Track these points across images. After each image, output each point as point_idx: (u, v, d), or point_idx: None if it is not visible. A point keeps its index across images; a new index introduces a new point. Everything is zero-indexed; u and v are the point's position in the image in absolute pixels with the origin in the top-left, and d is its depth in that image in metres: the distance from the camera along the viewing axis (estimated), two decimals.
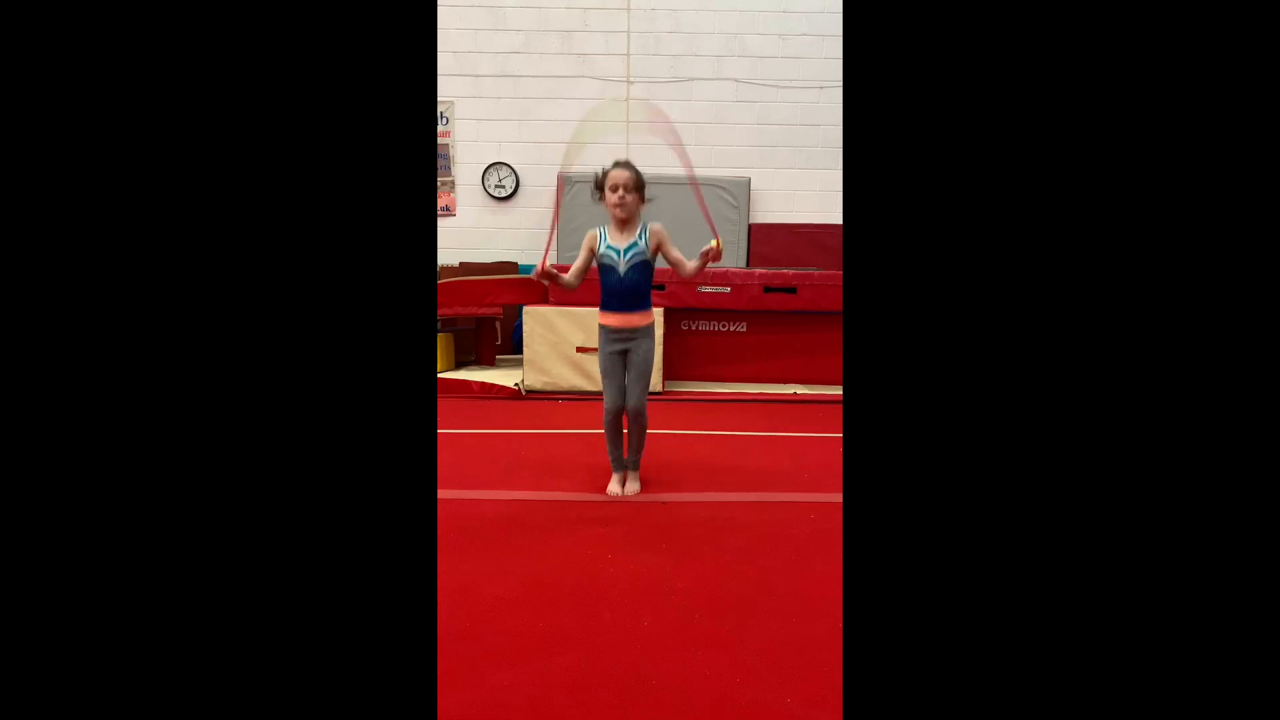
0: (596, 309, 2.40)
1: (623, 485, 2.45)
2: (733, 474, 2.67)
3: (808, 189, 6.01)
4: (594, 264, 2.37)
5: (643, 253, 2.31)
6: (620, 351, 2.36)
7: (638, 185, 2.30)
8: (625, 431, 2.43)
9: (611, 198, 2.28)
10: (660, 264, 2.40)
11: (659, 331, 4.13)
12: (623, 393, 2.37)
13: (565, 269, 2.41)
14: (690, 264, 2.33)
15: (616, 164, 2.31)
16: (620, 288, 2.31)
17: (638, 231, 2.32)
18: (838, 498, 2.35)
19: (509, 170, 6.00)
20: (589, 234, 2.38)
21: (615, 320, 2.34)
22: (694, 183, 2.53)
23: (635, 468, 2.47)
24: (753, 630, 1.47)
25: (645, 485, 2.47)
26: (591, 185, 2.37)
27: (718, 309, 4.42)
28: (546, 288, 4.42)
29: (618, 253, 2.31)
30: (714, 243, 2.18)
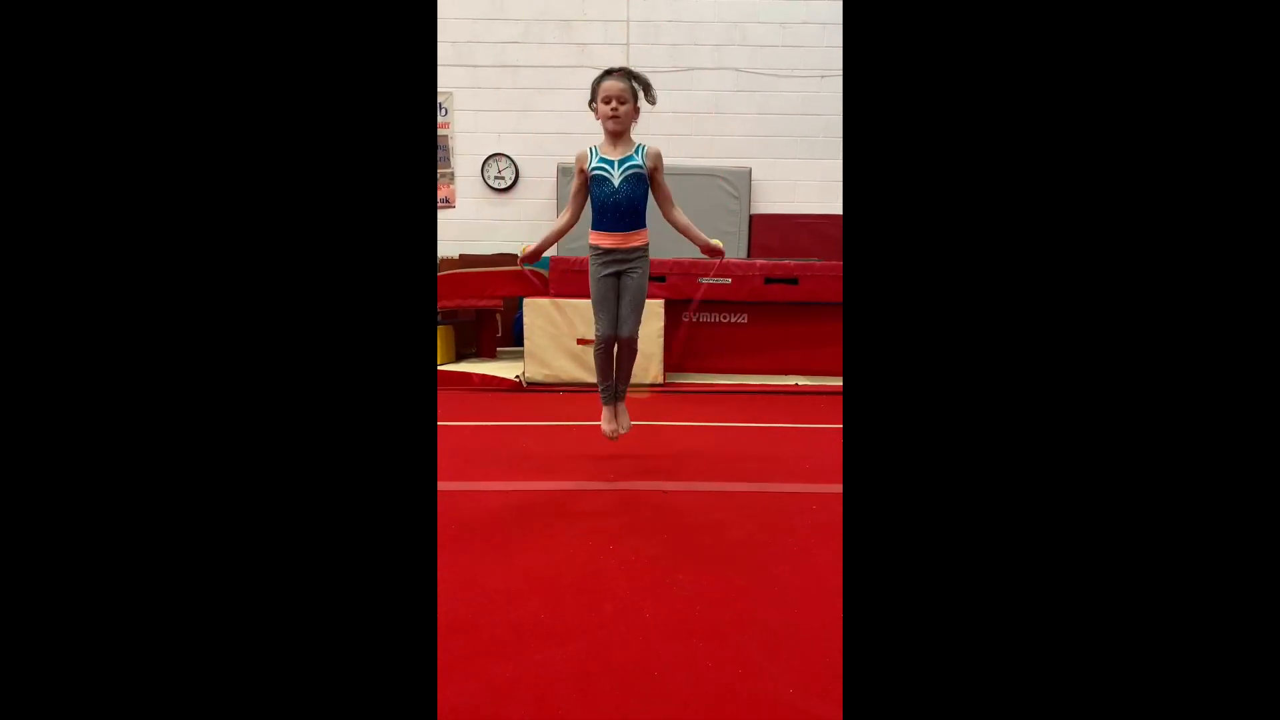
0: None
1: (615, 420, 2.43)
2: (734, 465, 2.67)
3: (809, 179, 5.99)
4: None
5: (639, 166, 2.21)
6: (614, 275, 2.26)
7: (633, 95, 2.19)
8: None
9: (604, 109, 2.18)
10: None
11: (659, 323, 4.12)
12: (615, 321, 2.27)
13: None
14: (687, 221, 2.26)
15: (609, 72, 2.20)
16: (614, 200, 2.20)
17: (634, 148, 2.23)
18: (838, 488, 2.35)
19: (508, 161, 5.98)
20: (579, 154, 2.26)
21: (609, 240, 2.23)
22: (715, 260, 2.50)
23: (623, 397, 2.44)
24: (754, 621, 1.47)
25: (646, 476, 2.47)
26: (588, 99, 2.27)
27: (718, 300, 4.41)
28: (545, 281, 4.41)
29: (611, 164, 2.20)
30: (718, 245, 2.19)
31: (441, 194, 6.01)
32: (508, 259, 5.42)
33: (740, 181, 5.80)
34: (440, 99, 5.85)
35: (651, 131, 2.35)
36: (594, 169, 2.23)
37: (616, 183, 2.20)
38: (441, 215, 5.96)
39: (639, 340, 2.37)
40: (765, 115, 5.92)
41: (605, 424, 2.44)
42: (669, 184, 2.32)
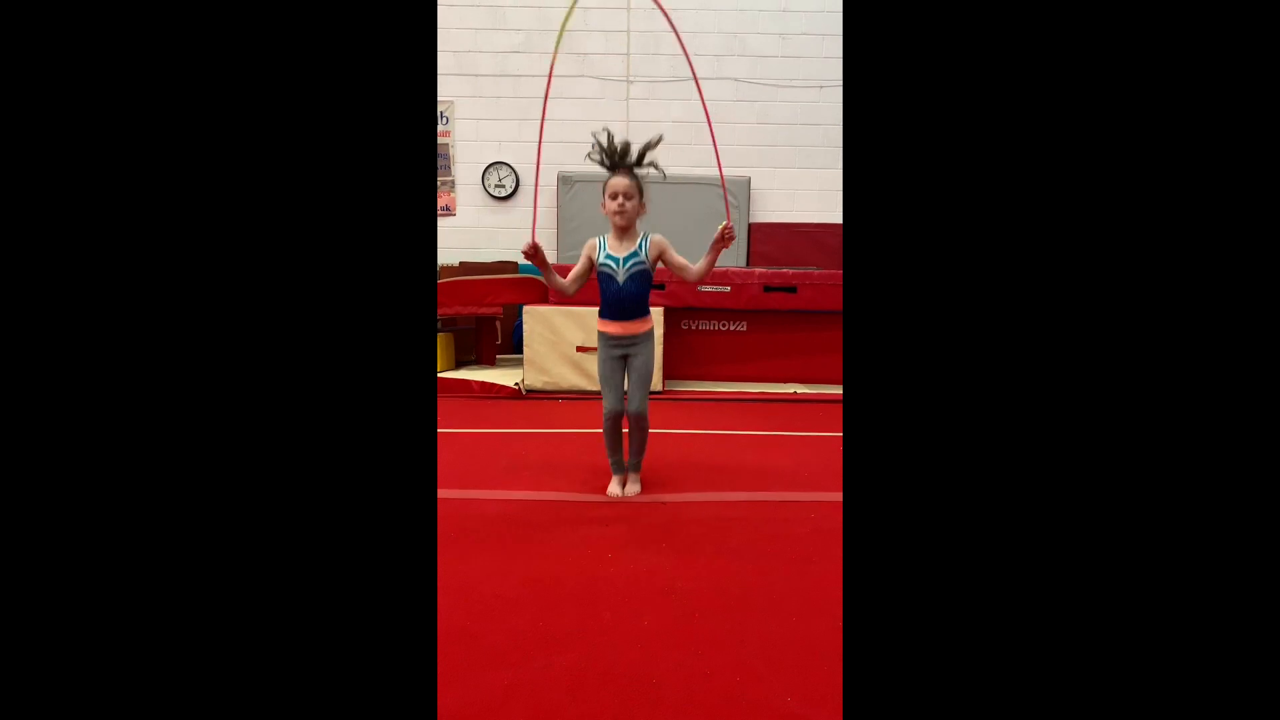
0: (596, 309, 2.38)
1: (623, 487, 2.42)
2: (733, 473, 2.67)
3: (808, 188, 6.00)
4: (593, 273, 2.34)
5: (643, 262, 2.28)
6: (620, 357, 2.34)
7: (639, 192, 2.26)
8: (625, 434, 2.41)
9: (611, 205, 2.24)
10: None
11: (659, 331, 4.13)
12: (622, 398, 2.34)
13: (564, 270, 2.39)
14: (698, 264, 2.29)
15: (617, 169, 2.25)
16: (620, 297, 2.29)
17: (638, 241, 2.29)
18: (838, 497, 2.35)
19: (509, 170, 6.00)
20: (588, 242, 2.35)
21: (615, 328, 2.32)
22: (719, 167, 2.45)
23: (636, 470, 2.45)
24: (753, 629, 1.47)
25: (645, 485, 2.47)
26: (597, 152, 2.25)
27: (718, 308, 4.42)
28: (545, 287, 4.42)
29: (617, 262, 2.28)
30: (724, 224, 2.17)
31: (442, 202, 6.02)
32: (508, 267, 5.43)
33: (739, 190, 5.82)
34: (441, 108, 5.87)
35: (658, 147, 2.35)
36: (601, 265, 2.31)
37: (621, 281, 2.28)
38: (442, 223, 5.97)
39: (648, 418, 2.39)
40: (764, 125, 5.94)
41: (611, 488, 2.44)
42: (679, 257, 2.34)
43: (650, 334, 2.36)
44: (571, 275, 2.35)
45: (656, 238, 2.31)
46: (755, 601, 1.60)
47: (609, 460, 2.45)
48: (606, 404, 2.36)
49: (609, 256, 2.29)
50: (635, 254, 2.28)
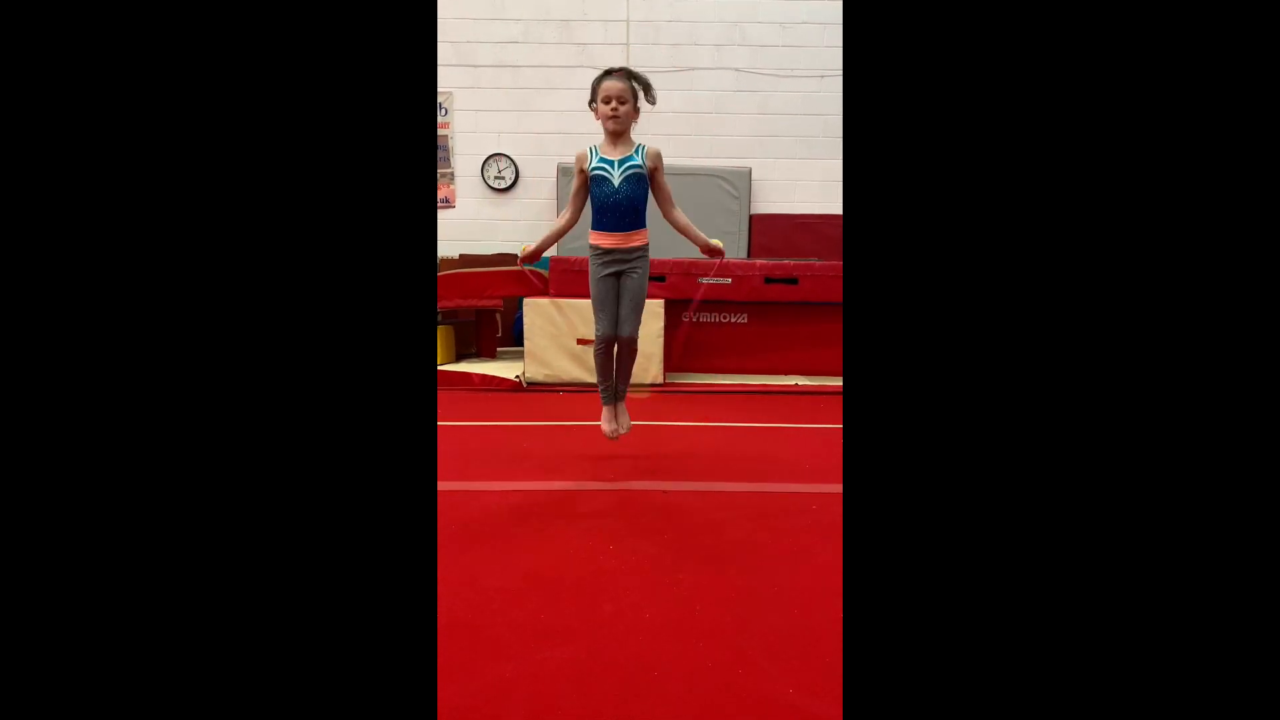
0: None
1: (615, 420, 2.44)
2: (733, 465, 2.67)
3: (809, 179, 5.99)
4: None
5: (639, 167, 2.19)
6: (614, 275, 2.25)
7: (633, 96, 2.18)
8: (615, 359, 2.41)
9: (604, 109, 2.16)
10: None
11: (659, 324, 4.12)
12: (615, 322, 2.27)
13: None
14: (687, 221, 2.27)
15: (609, 72, 2.18)
16: (614, 200, 2.19)
17: (633, 148, 2.21)
18: (838, 488, 2.35)
19: (508, 161, 5.98)
20: (578, 153, 2.25)
21: (609, 240, 2.22)
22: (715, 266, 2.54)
23: (623, 397, 2.44)
24: (754, 621, 1.47)
25: (646, 476, 2.48)
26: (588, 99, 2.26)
27: (718, 300, 4.42)
28: (545, 280, 4.41)
29: (611, 164, 2.19)
30: (717, 244, 2.19)
31: (441, 194, 6.00)
32: (508, 259, 5.42)
33: (740, 181, 5.80)
34: (440, 99, 5.84)
35: (651, 131, 2.35)
36: (594, 169, 2.22)
37: (616, 183, 2.19)
38: (441, 215, 5.95)
39: (639, 340, 2.38)
40: (765, 115, 5.92)
41: (605, 424, 2.45)
42: (669, 184, 2.32)
43: (645, 250, 2.27)
44: (570, 197, 2.28)
45: (653, 148, 2.22)
46: (756, 593, 1.60)
47: (599, 387, 2.41)
48: (599, 328, 2.28)
49: (602, 160, 2.20)
50: (631, 158, 2.20)
